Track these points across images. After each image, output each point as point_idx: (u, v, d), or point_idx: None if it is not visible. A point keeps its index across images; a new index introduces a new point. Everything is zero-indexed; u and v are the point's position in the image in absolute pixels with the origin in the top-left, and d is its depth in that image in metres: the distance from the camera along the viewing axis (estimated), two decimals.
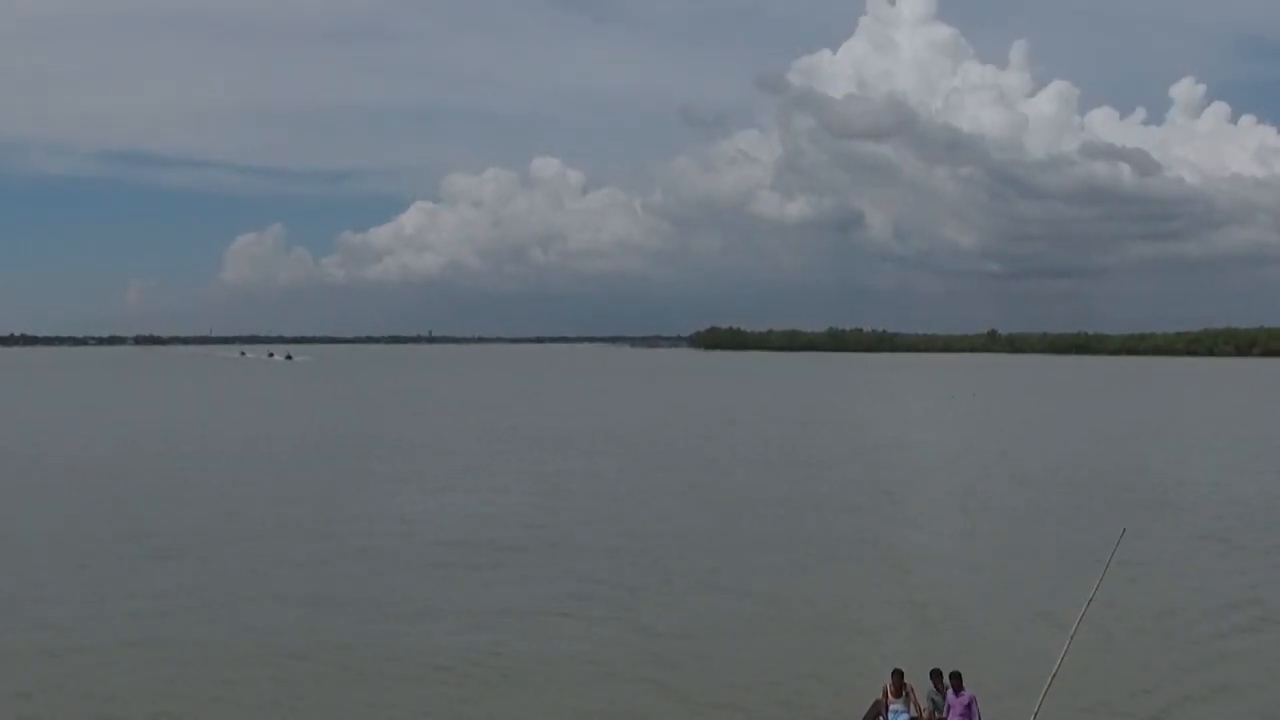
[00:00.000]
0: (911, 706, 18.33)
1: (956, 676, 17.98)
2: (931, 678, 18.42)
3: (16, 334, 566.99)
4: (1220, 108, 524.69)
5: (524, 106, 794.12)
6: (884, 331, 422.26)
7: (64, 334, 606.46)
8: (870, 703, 18.80)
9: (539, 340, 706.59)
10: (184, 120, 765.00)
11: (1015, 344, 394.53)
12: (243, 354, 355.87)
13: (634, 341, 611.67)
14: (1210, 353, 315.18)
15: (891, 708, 18.41)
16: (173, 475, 55.31)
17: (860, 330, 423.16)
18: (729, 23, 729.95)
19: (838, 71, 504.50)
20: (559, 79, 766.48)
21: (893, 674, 18.64)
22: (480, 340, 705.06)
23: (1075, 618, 17.67)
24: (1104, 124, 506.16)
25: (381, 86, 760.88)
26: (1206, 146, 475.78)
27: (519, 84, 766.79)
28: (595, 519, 43.48)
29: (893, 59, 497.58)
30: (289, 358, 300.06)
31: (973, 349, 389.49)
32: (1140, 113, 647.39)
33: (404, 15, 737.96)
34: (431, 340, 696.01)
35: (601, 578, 32.78)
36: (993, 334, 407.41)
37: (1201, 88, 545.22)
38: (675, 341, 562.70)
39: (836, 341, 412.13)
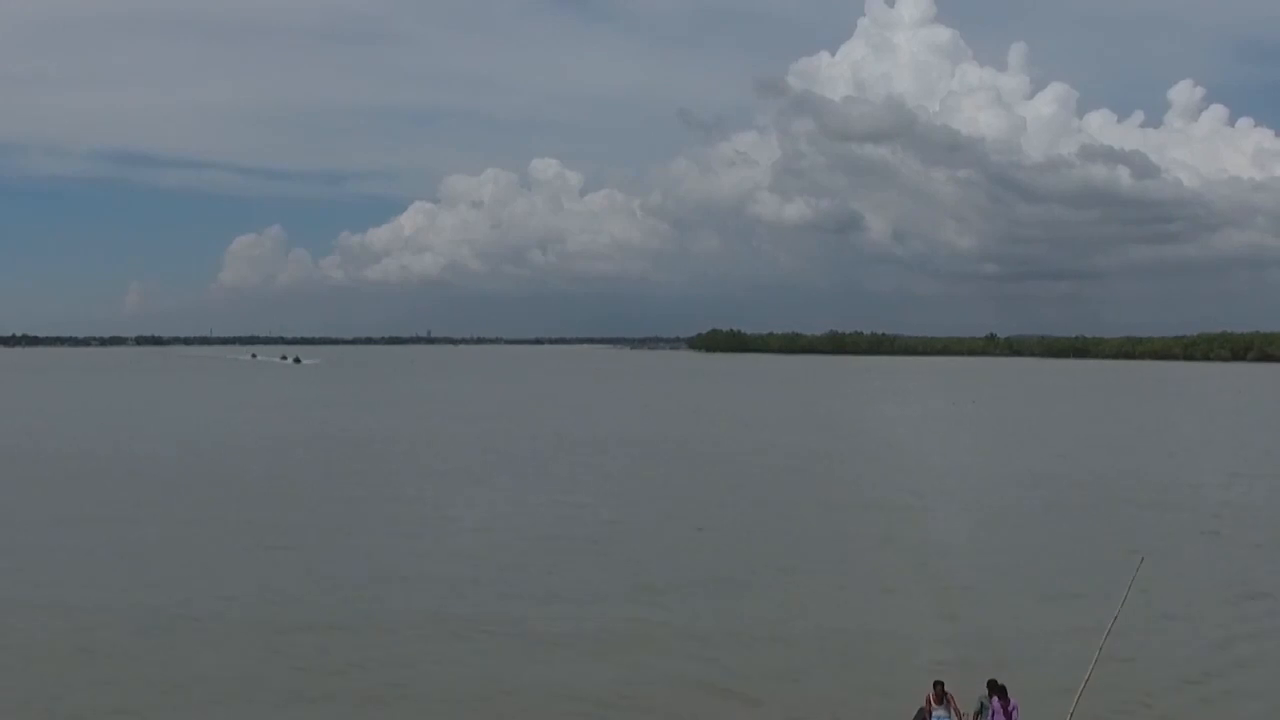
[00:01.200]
0: (952, 713, 20.73)
1: (1001, 687, 20.13)
2: (987, 686, 20.51)
3: (18, 335, 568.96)
4: (1218, 110, 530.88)
5: (523, 108, 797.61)
6: (883, 334, 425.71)
7: (65, 335, 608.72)
8: (915, 710, 21.22)
9: (538, 342, 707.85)
10: (184, 121, 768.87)
11: (1014, 347, 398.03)
12: (254, 356, 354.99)
13: (633, 343, 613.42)
14: (1206, 357, 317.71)
15: (935, 714, 20.79)
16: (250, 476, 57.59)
17: (860, 333, 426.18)
18: (728, 25, 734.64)
19: (836, 74, 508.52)
20: (558, 81, 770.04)
21: (934, 684, 20.68)
22: (479, 341, 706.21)
23: (1099, 638, 19.85)
24: (1102, 126, 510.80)
25: (381, 87, 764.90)
26: (1204, 149, 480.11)
27: (518, 85, 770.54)
28: (628, 525, 45.24)
29: (891, 61, 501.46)
30: (297, 360, 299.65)
31: (971, 352, 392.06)
32: (1138, 115, 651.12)
33: (404, 17, 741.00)
34: (430, 341, 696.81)
35: (642, 582, 34.62)
36: (991, 337, 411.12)
37: (1199, 90, 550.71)
38: (675, 343, 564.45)
39: (836, 344, 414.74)
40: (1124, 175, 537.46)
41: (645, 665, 26.69)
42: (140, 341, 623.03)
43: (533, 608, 31.90)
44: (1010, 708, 19.88)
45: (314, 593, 33.76)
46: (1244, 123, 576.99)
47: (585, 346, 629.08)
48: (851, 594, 33.82)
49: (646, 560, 38.51)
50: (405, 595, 33.42)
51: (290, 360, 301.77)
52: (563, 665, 26.86)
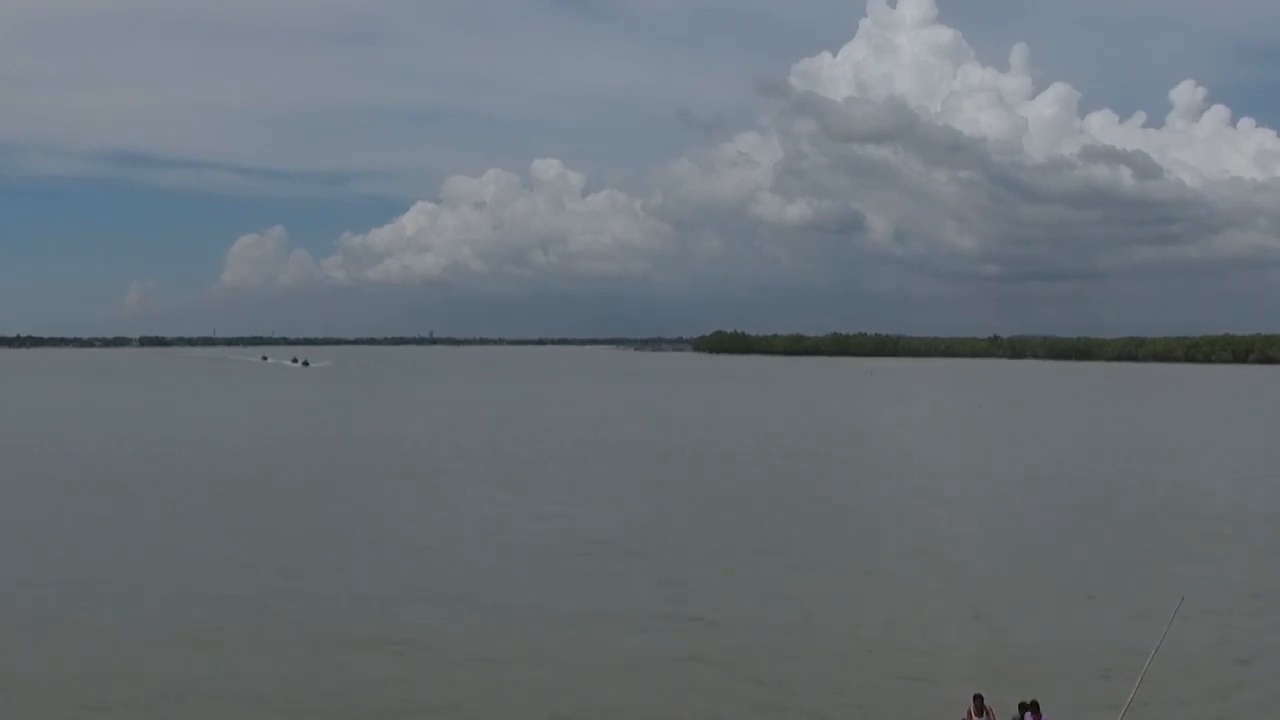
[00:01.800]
0: None
1: (1034, 704, 21.13)
2: (1019, 708, 21.53)
3: (21, 335, 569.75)
4: (1220, 111, 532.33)
5: (523, 108, 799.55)
6: (886, 335, 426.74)
7: (67, 335, 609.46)
8: None
9: (540, 342, 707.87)
10: (184, 121, 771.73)
11: (1016, 348, 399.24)
12: (264, 359, 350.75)
13: (637, 344, 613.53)
14: (1208, 359, 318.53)
15: None
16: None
17: (864, 334, 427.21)
18: (728, 25, 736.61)
19: (838, 74, 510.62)
20: (559, 81, 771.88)
21: (974, 698, 21.56)
22: (482, 342, 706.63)
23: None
24: (1104, 127, 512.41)
25: (382, 88, 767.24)
26: (1206, 149, 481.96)
27: (518, 85, 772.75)
28: (653, 532, 45.98)
29: (893, 62, 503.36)
30: (306, 363, 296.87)
31: (975, 353, 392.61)
32: (1140, 116, 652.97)
33: (404, 17, 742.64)
34: (433, 342, 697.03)
35: (668, 588, 35.40)
36: (995, 338, 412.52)
37: (1201, 91, 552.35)
38: (678, 344, 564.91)
39: (840, 345, 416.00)
40: (1126, 176, 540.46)
41: (670, 672, 27.39)
42: (144, 342, 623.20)
43: (551, 617, 32.58)
44: None
45: (338, 601, 34.45)
46: (1245, 123, 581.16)
47: (589, 348, 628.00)
48: (883, 604, 34.41)
49: (672, 566, 39.21)
50: (431, 606, 33.99)
51: (300, 363, 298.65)
52: (586, 672, 27.50)
